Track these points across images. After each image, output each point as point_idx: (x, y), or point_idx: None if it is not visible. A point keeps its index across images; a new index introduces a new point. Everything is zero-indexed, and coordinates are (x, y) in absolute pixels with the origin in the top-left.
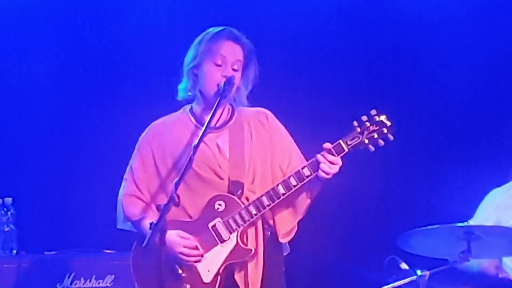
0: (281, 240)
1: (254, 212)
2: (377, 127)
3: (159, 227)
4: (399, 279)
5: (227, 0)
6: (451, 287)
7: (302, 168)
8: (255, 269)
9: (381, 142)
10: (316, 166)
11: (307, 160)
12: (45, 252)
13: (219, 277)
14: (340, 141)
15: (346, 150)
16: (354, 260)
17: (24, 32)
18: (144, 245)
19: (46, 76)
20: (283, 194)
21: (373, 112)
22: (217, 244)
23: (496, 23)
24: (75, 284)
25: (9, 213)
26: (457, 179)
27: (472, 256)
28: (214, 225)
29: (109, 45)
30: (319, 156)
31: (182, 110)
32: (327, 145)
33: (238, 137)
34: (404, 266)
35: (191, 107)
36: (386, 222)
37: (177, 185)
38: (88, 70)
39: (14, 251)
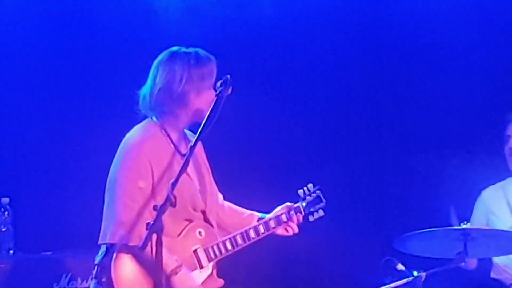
0: None
1: (229, 247)
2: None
3: (156, 228)
4: (396, 280)
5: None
6: None
7: (270, 220)
8: None
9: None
10: (280, 221)
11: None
12: (42, 252)
13: None
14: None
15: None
16: (350, 261)
17: (24, 33)
18: (140, 246)
19: (44, 77)
20: (253, 238)
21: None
22: (197, 268)
23: (496, 23)
24: (72, 284)
25: (6, 213)
26: (453, 180)
27: (468, 257)
28: (196, 250)
29: (108, 45)
30: (292, 225)
31: (152, 125)
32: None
33: (198, 164)
34: (400, 267)
35: (164, 128)
36: (383, 223)
37: (173, 185)
38: (86, 72)
39: (11, 251)
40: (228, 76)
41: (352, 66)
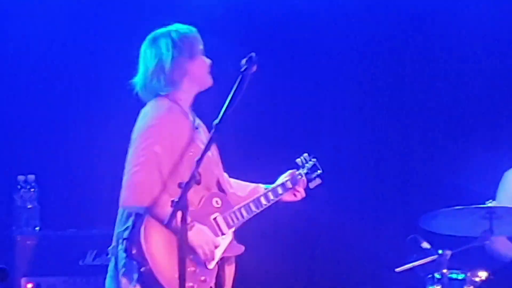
0: None
1: (245, 214)
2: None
3: (181, 205)
4: (421, 258)
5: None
6: (473, 267)
7: (277, 187)
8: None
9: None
10: (286, 187)
11: None
12: (68, 229)
13: (217, 266)
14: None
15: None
16: (375, 239)
17: (49, 22)
18: (165, 223)
19: (68, 59)
20: (264, 205)
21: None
22: (218, 235)
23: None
24: (97, 261)
25: (32, 190)
26: (478, 158)
27: (493, 235)
28: (215, 218)
29: (131, 27)
30: (300, 189)
31: (166, 99)
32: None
33: (206, 135)
34: (425, 245)
35: (175, 101)
36: (408, 201)
37: (198, 162)
38: (108, 56)
39: (37, 228)
40: (253, 54)
41: (380, 44)
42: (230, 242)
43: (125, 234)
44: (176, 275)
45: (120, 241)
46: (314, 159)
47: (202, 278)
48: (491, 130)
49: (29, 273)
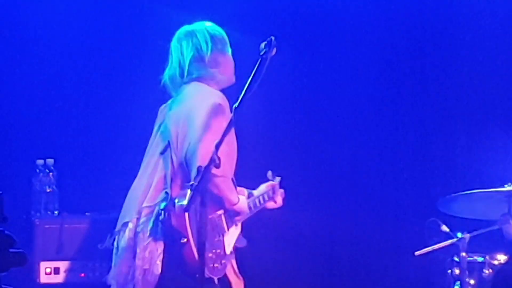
0: None
1: (248, 212)
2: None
3: (200, 189)
4: (440, 241)
5: None
6: (492, 250)
7: (264, 194)
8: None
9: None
10: (270, 196)
11: None
12: (87, 213)
13: (232, 253)
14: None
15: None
16: (395, 222)
17: (69, 20)
18: (185, 207)
19: (90, 45)
20: (256, 207)
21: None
22: (234, 224)
23: None
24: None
25: (51, 174)
26: (497, 141)
27: None
28: None
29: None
30: (279, 198)
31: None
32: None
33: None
34: (444, 228)
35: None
36: (427, 184)
37: (218, 146)
38: (127, 43)
39: (56, 212)
40: (272, 38)
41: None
42: (239, 234)
43: (163, 205)
44: (210, 254)
45: (144, 212)
46: (279, 177)
47: (223, 261)
48: (510, 113)
49: (47, 257)
